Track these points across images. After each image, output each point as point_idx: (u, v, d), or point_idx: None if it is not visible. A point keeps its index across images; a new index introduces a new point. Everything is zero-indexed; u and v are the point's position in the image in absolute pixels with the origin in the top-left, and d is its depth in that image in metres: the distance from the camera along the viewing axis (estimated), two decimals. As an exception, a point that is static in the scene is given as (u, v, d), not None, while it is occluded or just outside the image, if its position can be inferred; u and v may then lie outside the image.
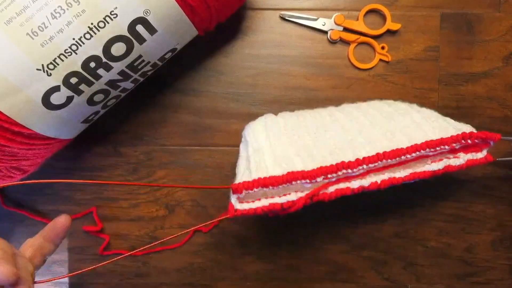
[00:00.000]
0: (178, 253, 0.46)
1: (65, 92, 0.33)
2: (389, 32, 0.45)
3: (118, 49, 0.33)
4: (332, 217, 0.46)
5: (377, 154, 0.35)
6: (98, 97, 0.36)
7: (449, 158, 0.37)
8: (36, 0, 0.30)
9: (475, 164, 0.37)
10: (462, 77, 0.45)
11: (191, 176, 0.46)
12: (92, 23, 0.31)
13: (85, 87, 0.34)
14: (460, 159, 0.37)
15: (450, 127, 0.37)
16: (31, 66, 0.31)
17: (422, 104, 0.45)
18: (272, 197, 0.35)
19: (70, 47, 0.31)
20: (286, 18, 0.45)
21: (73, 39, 0.31)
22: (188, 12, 0.35)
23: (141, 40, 0.34)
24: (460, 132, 0.36)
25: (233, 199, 0.34)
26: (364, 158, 0.35)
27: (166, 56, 0.38)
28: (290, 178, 0.34)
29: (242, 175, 0.35)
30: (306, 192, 0.35)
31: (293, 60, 0.45)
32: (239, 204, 0.34)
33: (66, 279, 0.47)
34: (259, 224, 0.46)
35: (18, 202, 0.46)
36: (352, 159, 0.35)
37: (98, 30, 0.32)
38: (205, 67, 0.45)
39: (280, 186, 0.34)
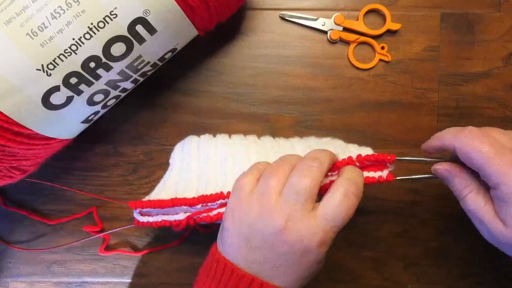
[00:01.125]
0: (179, 253, 0.46)
1: (65, 92, 0.33)
2: (389, 32, 0.45)
3: (118, 49, 0.33)
4: (332, 217, 0.46)
5: None
6: (98, 97, 0.36)
7: None
8: (36, 0, 0.30)
9: (372, 182, 0.37)
10: (462, 77, 0.45)
11: (191, 176, 0.46)
12: (92, 23, 0.31)
13: (85, 87, 0.34)
14: None
15: (340, 154, 0.38)
16: (31, 66, 0.31)
17: (422, 104, 0.45)
18: (168, 214, 0.40)
19: (70, 47, 0.31)
20: (286, 18, 0.45)
21: (73, 39, 0.31)
22: (188, 12, 0.35)
23: (141, 40, 0.34)
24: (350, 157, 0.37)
25: (135, 213, 0.40)
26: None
27: (166, 56, 0.38)
28: (172, 203, 0.39)
29: (157, 189, 0.41)
30: (196, 208, 0.39)
31: (293, 60, 0.45)
32: (141, 217, 0.40)
33: (66, 279, 0.47)
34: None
35: (18, 202, 0.46)
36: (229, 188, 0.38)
37: (98, 30, 0.32)
38: (205, 67, 0.45)
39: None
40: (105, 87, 0.35)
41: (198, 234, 0.46)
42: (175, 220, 0.39)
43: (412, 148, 0.45)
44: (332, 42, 0.45)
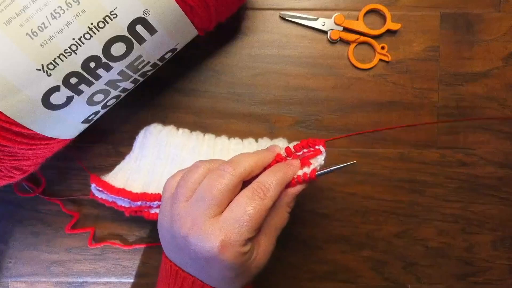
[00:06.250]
0: (178, 253, 0.46)
1: (65, 92, 0.33)
2: (389, 32, 0.45)
3: (118, 49, 0.33)
4: (331, 217, 0.46)
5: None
6: (98, 97, 0.36)
7: None
8: (36, 0, 0.30)
9: (298, 182, 0.35)
10: (462, 77, 0.45)
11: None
12: (92, 23, 0.31)
13: (85, 87, 0.34)
14: None
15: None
16: (31, 66, 0.31)
17: (422, 104, 0.45)
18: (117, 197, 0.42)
19: (70, 47, 0.31)
20: (286, 18, 0.45)
21: (73, 39, 0.31)
22: (188, 12, 0.35)
23: (141, 40, 0.34)
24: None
25: (92, 186, 0.42)
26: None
27: (166, 56, 0.38)
28: (118, 193, 0.41)
29: (114, 171, 0.43)
30: (137, 204, 0.42)
31: (293, 60, 0.45)
32: (97, 192, 0.42)
33: (66, 279, 0.47)
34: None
35: (18, 202, 0.46)
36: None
37: (98, 30, 0.32)
38: (205, 67, 0.45)
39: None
40: (105, 87, 0.35)
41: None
42: (121, 205, 0.42)
43: (412, 148, 0.45)
44: (332, 42, 0.45)
